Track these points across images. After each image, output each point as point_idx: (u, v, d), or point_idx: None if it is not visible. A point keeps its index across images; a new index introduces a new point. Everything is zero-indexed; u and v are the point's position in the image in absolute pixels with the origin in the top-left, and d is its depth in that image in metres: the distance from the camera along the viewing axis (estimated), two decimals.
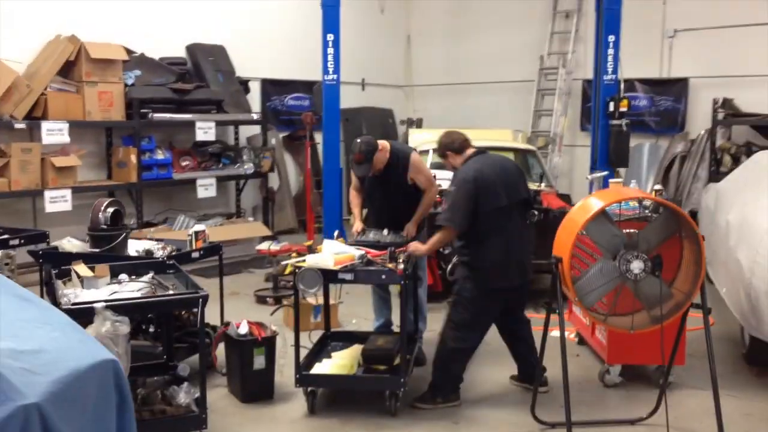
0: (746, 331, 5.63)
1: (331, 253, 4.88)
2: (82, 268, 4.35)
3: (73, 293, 4.00)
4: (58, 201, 8.08)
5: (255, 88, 10.83)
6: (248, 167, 9.90)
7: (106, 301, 3.81)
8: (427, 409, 4.98)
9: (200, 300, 4.08)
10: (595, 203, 4.37)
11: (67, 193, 8.14)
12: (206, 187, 9.39)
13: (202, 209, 9.85)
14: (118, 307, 3.81)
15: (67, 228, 7.55)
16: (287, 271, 8.00)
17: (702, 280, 4.21)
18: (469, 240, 4.94)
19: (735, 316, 5.57)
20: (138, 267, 4.74)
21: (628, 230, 4.46)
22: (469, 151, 5.14)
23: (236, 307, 6.91)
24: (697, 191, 9.39)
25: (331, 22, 8.53)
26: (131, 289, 4.28)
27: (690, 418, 4.79)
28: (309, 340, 5.52)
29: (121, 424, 2.42)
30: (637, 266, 4.15)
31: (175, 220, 9.18)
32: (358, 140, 5.47)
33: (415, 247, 5.12)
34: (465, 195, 4.83)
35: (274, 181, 10.54)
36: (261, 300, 7.52)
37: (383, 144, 5.52)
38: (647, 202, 5.23)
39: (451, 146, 5.14)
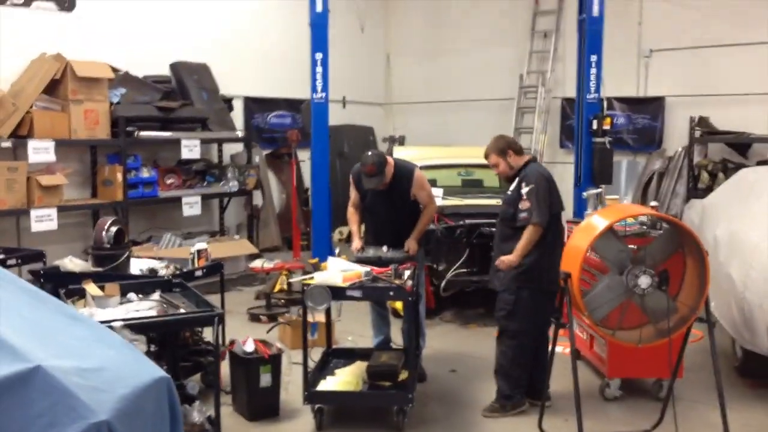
0: (738, 345, 5.77)
1: (339, 270, 4.92)
2: (92, 288, 4.33)
3: (89, 312, 3.98)
4: (44, 220, 7.98)
5: (238, 106, 10.83)
6: (233, 185, 9.87)
7: (124, 320, 3.80)
8: (498, 417, 5.13)
9: (216, 318, 4.09)
10: (600, 221, 4.47)
11: (53, 212, 8.03)
12: (191, 205, 9.35)
13: (186, 227, 9.80)
14: (136, 326, 3.80)
15: (52, 247, 7.49)
16: (277, 288, 8.06)
17: (706, 295, 4.33)
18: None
19: (725, 330, 5.71)
20: (144, 286, 4.73)
21: (631, 246, 4.59)
22: (527, 156, 5.33)
23: (230, 326, 6.81)
24: (676, 207, 9.59)
25: (319, 41, 8.63)
26: (143, 307, 4.27)
27: (692, 429, 4.89)
28: (310, 358, 5.53)
29: None
30: (644, 281, 4.26)
31: (160, 239, 9.11)
32: (369, 153, 5.55)
33: (507, 259, 5.08)
34: (545, 190, 5.05)
35: (257, 198, 10.52)
36: (254, 318, 7.51)
37: (388, 159, 5.60)
38: (643, 218, 5.37)
39: (514, 146, 5.31)
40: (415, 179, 5.64)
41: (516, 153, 5.27)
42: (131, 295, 4.51)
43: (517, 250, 5.03)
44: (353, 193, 5.86)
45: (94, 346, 2.39)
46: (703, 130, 9.61)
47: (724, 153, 9.84)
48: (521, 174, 5.18)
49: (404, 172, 5.63)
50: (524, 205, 5.03)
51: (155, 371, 2.43)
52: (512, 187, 5.23)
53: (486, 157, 5.37)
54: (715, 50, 9.93)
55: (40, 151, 7.94)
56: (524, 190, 5.06)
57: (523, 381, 5.20)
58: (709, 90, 9.94)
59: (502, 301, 5.20)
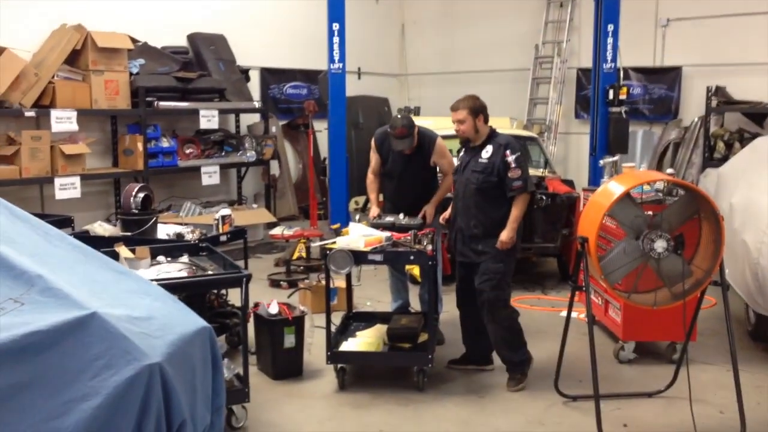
0: (751, 310, 5.88)
1: (361, 235, 5.04)
2: (124, 250, 4.47)
3: None
4: (68, 188, 8.14)
5: (254, 77, 10.93)
6: (250, 155, 10.00)
7: (157, 280, 3.93)
8: (524, 385, 5.17)
9: (244, 279, 4.23)
10: (617, 186, 4.55)
11: (77, 180, 8.19)
12: (210, 175, 9.50)
13: (205, 196, 9.95)
14: (168, 286, 3.93)
15: (75, 214, 7.62)
16: (295, 256, 8.22)
17: (721, 258, 4.42)
18: (505, 214, 5.05)
19: (739, 296, 5.81)
20: (172, 249, 4.88)
21: (647, 212, 4.68)
22: (489, 125, 5.25)
23: (251, 291, 6.87)
24: (692, 176, 9.66)
25: (336, 11, 8.67)
26: (174, 269, 4.41)
27: (705, 390, 5.00)
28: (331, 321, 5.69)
29: (214, 384, 2.61)
30: (660, 245, 4.35)
31: (180, 208, 9.26)
32: (399, 116, 5.66)
33: (507, 237, 5.00)
34: (526, 159, 5.12)
35: (274, 168, 10.65)
36: (274, 284, 7.67)
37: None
38: (659, 185, 5.45)
39: (486, 112, 5.19)
40: (437, 147, 5.73)
41: (485, 120, 5.18)
42: (161, 258, 4.65)
43: (512, 221, 5.01)
44: (374, 159, 5.94)
45: (141, 298, 2.53)
46: (720, 100, 9.64)
47: (740, 123, 9.88)
48: (494, 141, 5.12)
49: (427, 138, 5.72)
50: (515, 173, 4.98)
51: (199, 321, 2.58)
52: (486, 155, 5.10)
53: (455, 109, 5.19)
54: (732, 19, 9.93)
55: (63, 120, 8.07)
56: (511, 158, 4.99)
57: (524, 340, 5.26)
58: (726, 59, 9.94)
59: (490, 271, 5.06)
